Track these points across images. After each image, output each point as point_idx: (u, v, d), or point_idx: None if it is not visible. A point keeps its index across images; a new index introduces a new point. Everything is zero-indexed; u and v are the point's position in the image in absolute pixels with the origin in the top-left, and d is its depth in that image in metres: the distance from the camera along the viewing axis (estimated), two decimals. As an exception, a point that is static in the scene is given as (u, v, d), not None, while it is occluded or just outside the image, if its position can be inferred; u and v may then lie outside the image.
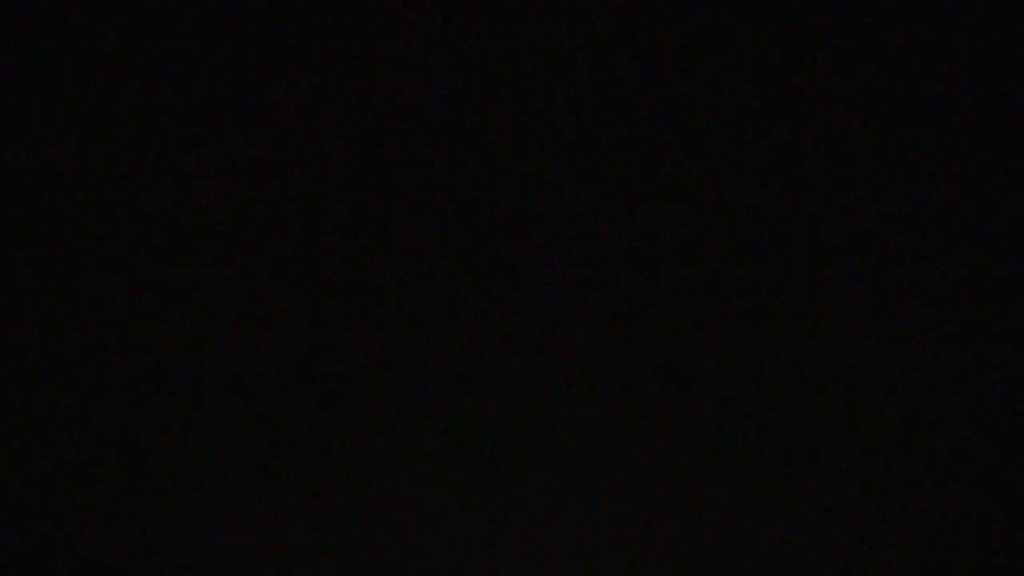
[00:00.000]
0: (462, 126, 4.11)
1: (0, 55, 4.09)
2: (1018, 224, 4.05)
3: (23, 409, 4.05)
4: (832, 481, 4.02)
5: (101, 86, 4.11)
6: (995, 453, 4.02)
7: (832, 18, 4.10)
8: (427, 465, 4.06)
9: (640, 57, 4.10)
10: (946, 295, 4.06)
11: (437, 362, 4.07)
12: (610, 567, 4.03)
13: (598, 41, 4.10)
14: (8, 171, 4.10)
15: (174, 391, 4.05)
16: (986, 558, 4.01)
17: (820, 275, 4.07)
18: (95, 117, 4.10)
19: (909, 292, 4.06)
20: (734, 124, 4.09)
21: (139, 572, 4.03)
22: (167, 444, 4.05)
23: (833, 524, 4.02)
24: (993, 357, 4.03)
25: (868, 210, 4.07)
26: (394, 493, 4.05)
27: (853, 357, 4.05)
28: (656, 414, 4.05)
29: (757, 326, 4.06)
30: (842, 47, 4.10)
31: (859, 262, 4.06)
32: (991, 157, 4.07)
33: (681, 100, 4.10)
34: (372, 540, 4.04)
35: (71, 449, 4.05)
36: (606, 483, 4.04)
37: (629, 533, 4.04)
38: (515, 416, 4.06)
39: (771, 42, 4.10)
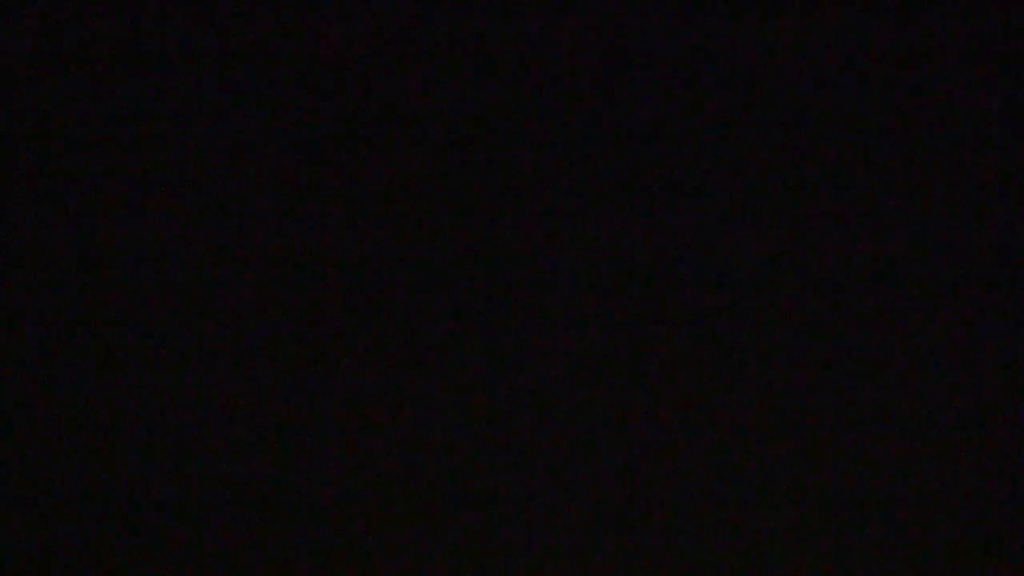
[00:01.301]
0: (462, 127, 4.12)
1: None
2: (1018, 224, 4.06)
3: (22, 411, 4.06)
4: (832, 481, 4.04)
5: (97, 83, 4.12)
6: (995, 453, 4.02)
7: (832, 18, 4.11)
8: (427, 469, 4.07)
9: (639, 59, 4.11)
10: (946, 296, 4.07)
11: (437, 363, 4.08)
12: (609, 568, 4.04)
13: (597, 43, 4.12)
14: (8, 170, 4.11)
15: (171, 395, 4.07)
16: (986, 558, 4.02)
17: (819, 276, 4.08)
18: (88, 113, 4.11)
19: (909, 292, 4.07)
20: (735, 125, 4.10)
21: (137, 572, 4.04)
22: (164, 446, 4.06)
23: (832, 523, 4.03)
24: (993, 357, 4.05)
25: (869, 211, 4.09)
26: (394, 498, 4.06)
27: (853, 357, 4.06)
28: (656, 415, 4.06)
29: (757, 327, 4.06)
30: (843, 47, 4.11)
31: (859, 263, 4.07)
32: (991, 157, 4.09)
33: (682, 101, 4.11)
34: (372, 542, 4.05)
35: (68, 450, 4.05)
36: (605, 487, 4.05)
37: (629, 535, 4.05)
38: (513, 418, 4.07)
39: (771, 42, 4.11)
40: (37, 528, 4.04)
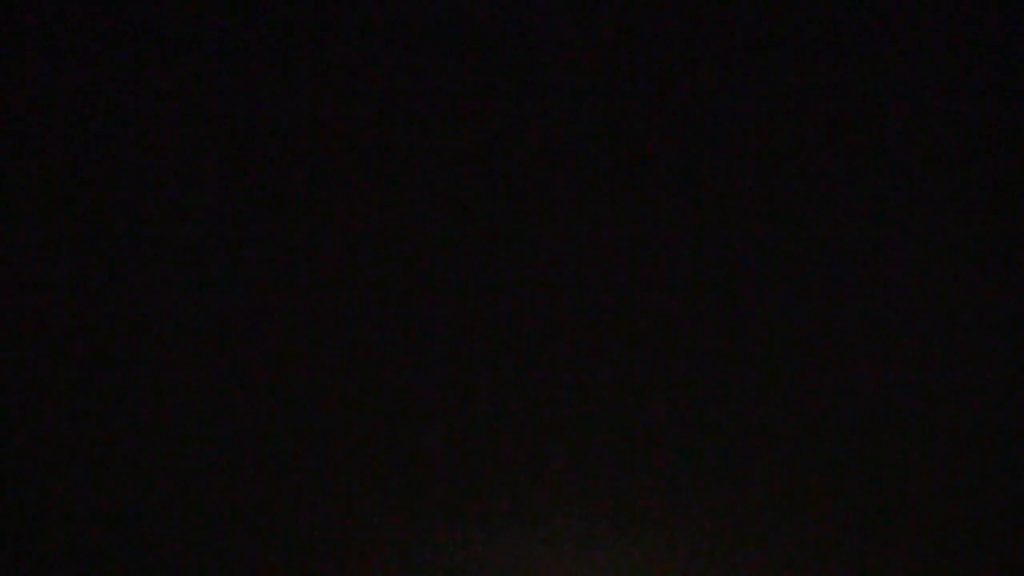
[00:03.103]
0: (462, 129, 4.12)
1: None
2: (1018, 224, 4.07)
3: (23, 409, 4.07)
4: (831, 482, 4.04)
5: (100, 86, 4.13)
6: (995, 453, 4.03)
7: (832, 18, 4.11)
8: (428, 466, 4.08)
9: (640, 59, 4.12)
10: (946, 296, 4.07)
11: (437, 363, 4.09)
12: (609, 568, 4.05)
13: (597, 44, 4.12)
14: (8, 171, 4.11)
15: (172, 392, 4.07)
16: (985, 558, 4.03)
17: (819, 275, 4.08)
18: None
19: (910, 292, 4.08)
20: (735, 125, 4.11)
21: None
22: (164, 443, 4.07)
23: (833, 524, 4.04)
24: (994, 357, 4.05)
25: (869, 210, 4.09)
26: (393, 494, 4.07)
27: (854, 358, 4.07)
28: (656, 416, 4.07)
29: (757, 327, 4.07)
30: (842, 47, 4.11)
31: (859, 262, 4.08)
32: (991, 157, 4.09)
33: (682, 101, 4.12)
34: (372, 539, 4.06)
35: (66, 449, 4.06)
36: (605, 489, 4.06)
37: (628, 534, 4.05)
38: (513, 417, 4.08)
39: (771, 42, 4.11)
40: (37, 529, 4.05)
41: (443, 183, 4.11)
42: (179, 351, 4.08)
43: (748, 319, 4.07)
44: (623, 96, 4.11)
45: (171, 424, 4.07)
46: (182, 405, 4.07)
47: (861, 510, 4.03)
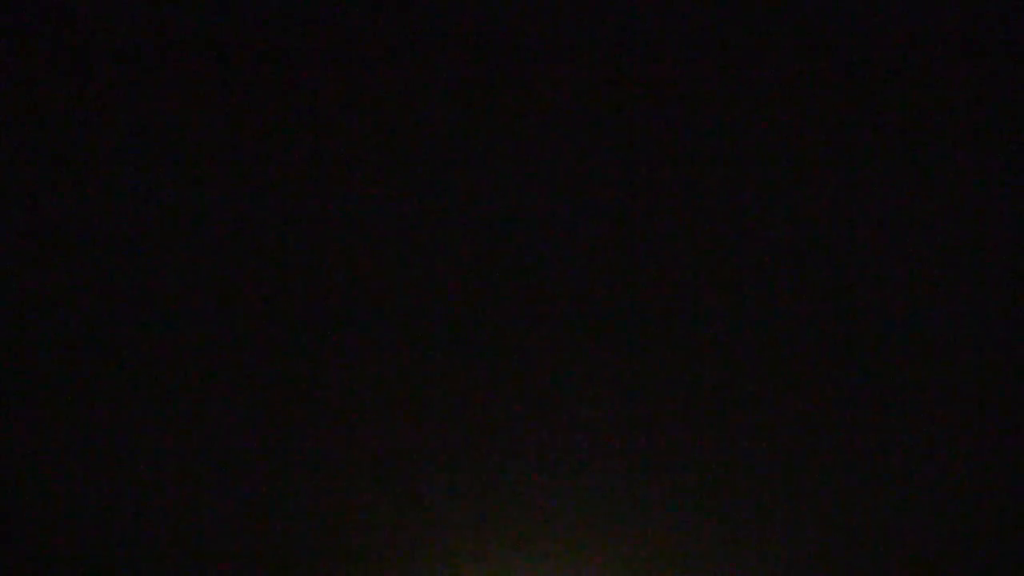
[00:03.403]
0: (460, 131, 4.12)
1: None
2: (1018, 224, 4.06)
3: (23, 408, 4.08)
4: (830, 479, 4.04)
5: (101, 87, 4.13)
6: (996, 450, 4.02)
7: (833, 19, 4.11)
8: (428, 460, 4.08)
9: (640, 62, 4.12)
10: (948, 294, 4.07)
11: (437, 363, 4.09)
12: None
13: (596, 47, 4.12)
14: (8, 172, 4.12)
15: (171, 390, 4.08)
16: (985, 557, 4.02)
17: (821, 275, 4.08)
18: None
19: (912, 291, 4.07)
20: (736, 126, 4.11)
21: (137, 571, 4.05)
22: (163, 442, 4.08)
23: (832, 519, 4.03)
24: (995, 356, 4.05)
25: (873, 211, 4.09)
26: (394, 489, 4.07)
27: (856, 357, 4.06)
28: (657, 413, 4.07)
29: (756, 326, 4.07)
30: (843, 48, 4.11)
31: (863, 263, 4.08)
32: (991, 157, 4.09)
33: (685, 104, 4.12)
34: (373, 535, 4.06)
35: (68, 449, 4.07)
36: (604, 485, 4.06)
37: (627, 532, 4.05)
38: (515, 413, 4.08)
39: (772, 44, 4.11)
40: (37, 530, 4.06)
41: (441, 181, 4.12)
42: (177, 351, 4.09)
43: (747, 318, 4.07)
44: (623, 94, 4.11)
45: (169, 424, 4.07)
46: (180, 405, 4.08)
47: (861, 510, 4.03)
